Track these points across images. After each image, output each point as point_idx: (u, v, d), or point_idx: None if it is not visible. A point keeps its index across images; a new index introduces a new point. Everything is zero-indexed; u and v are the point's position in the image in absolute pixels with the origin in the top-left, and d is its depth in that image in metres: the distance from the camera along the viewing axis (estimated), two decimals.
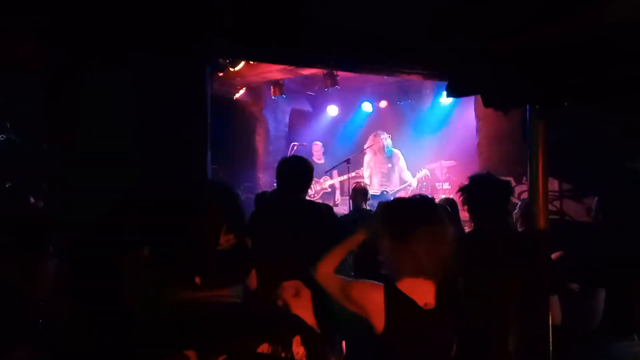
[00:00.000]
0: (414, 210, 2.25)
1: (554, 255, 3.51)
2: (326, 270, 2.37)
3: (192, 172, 3.39)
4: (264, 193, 5.23)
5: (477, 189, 2.97)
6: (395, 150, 8.70)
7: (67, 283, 1.83)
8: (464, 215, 3.57)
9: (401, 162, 8.69)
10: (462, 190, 3.03)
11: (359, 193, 5.80)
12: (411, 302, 2.15)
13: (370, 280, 2.26)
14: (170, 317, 1.31)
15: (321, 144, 9.84)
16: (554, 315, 3.06)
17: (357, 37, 3.45)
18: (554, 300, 3.05)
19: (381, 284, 2.21)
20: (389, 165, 8.65)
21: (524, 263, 2.81)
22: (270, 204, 4.31)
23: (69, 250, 2.52)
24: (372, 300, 2.17)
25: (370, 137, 8.72)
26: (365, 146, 8.76)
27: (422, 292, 2.18)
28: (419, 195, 2.37)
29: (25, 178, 5.31)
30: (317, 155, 9.63)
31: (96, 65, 3.04)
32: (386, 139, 8.58)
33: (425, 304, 2.16)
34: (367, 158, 8.82)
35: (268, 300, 2.02)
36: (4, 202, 5.22)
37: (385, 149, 8.56)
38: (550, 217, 3.58)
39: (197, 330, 1.25)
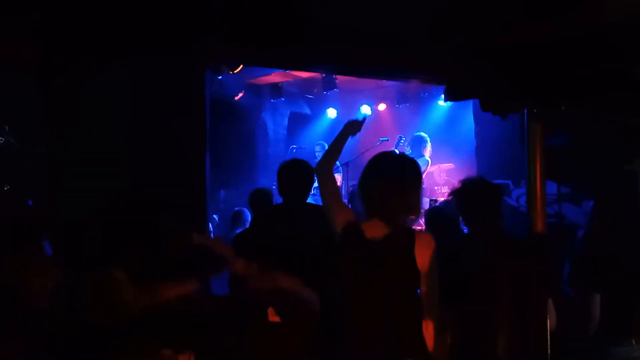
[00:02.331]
0: (376, 162, 2.63)
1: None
2: (327, 166, 2.79)
3: (191, 174, 3.38)
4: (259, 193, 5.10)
5: (469, 193, 2.99)
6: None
7: (60, 283, 1.83)
8: None
9: None
10: (454, 194, 3.06)
11: (356, 196, 5.64)
12: (361, 232, 2.52)
13: (351, 212, 2.66)
14: (148, 317, 1.36)
15: (323, 144, 9.80)
16: (549, 319, 3.05)
17: (356, 40, 3.45)
18: (549, 304, 3.04)
19: (354, 216, 2.61)
20: None
21: (516, 266, 2.81)
22: (272, 207, 4.31)
23: (64, 251, 2.51)
24: (339, 221, 2.58)
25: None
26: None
27: (375, 229, 2.52)
28: (397, 153, 2.68)
29: (23, 180, 5.30)
30: (319, 158, 9.59)
31: (93, 65, 3.04)
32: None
33: (372, 236, 2.49)
34: None
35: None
36: (2, 205, 5.21)
37: None
38: (549, 220, 3.58)
39: (174, 328, 1.30)
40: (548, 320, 3.04)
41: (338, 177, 8.84)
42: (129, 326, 1.48)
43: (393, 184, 2.50)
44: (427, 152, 8.76)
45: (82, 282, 1.73)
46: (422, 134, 8.95)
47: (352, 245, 2.53)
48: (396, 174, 2.53)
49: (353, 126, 3.02)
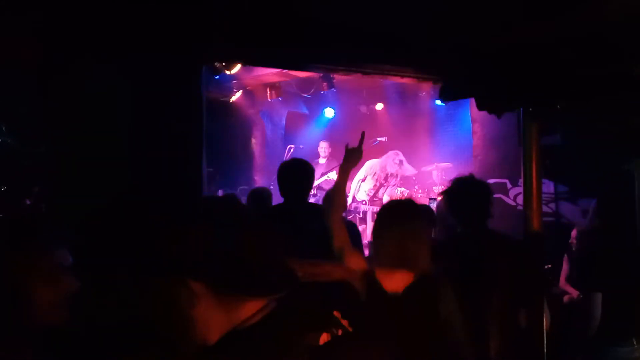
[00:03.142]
0: (391, 210, 2.57)
1: None
2: (336, 216, 2.66)
3: (188, 174, 3.39)
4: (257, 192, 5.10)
5: (458, 192, 2.99)
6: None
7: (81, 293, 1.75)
8: None
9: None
10: (444, 193, 3.07)
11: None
12: (379, 287, 2.43)
13: (362, 257, 2.57)
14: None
15: (327, 143, 9.77)
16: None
17: (355, 40, 3.47)
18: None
19: (366, 264, 2.51)
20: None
21: (507, 266, 2.80)
22: (274, 207, 4.32)
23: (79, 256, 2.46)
24: (353, 274, 2.48)
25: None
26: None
27: (393, 280, 2.42)
28: (406, 198, 2.61)
29: (21, 180, 5.30)
30: (323, 154, 9.61)
31: (93, 65, 3.04)
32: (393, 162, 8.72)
33: (393, 290, 2.41)
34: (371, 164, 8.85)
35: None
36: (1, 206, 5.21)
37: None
38: (545, 219, 3.60)
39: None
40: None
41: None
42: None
43: (411, 234, 2.42)
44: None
45: (144, 291, 1.51)
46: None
47: (371, 302, 2.43)
48: (412, 223, 2.45)
49: (354, 154, 2.83)
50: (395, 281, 2.42)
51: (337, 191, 2.74)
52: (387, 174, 8.80)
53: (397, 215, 2.50)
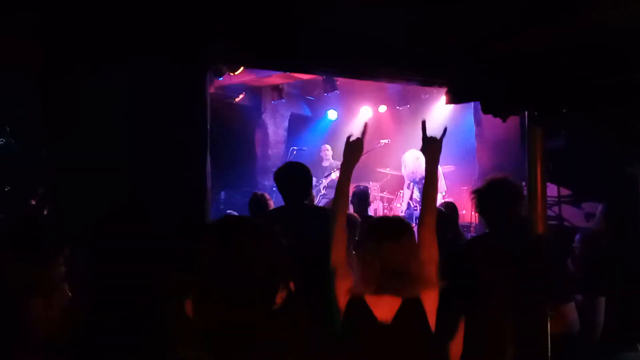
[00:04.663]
0: (377, 227, 2.40)
1: None
2: (340, 216, 2.47)
3: (192, 176, 3.38)
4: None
5: (489, 193, 2.92)
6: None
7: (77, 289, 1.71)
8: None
9: None
10: (475, 193, 3.01)
11: (356, 197, 5.49)
12: (370, 314, 2.28)
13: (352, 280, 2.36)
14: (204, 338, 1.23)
15: (329, 146, 9.77)
16: (573, 323, 2.88)
17: (354, 43, 3.46)
18: (571, 307, 2.86)
19: (354, 285, 2.33)
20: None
21: (532, 269, 2.76)
22: (273, 209, 4.32)
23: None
24: (340, 290, 2.34)
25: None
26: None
27: (383, 306, 2.29)
28: (394, 216, 2.49)
29: (26, 181, 5.30)
30: (326, 157, 9.60)
31: (94, 68, 3.03)
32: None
33: (383, 318, 2.27)
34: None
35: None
36: (4, 206, 5.21)
37: None
38: (549, 222, 3.57)
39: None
40: (567, 324, 2.92)
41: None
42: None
43: (399, 254, 2.27)
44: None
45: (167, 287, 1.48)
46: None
47: (360, 329, 2.31)
48: (400, 241, 2.30)
49: (354, 148, 2.64)
50: (384, 307, 2.29)
51: (339, 193, 2.56)
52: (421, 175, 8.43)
53: (384, 233, 2.33)
